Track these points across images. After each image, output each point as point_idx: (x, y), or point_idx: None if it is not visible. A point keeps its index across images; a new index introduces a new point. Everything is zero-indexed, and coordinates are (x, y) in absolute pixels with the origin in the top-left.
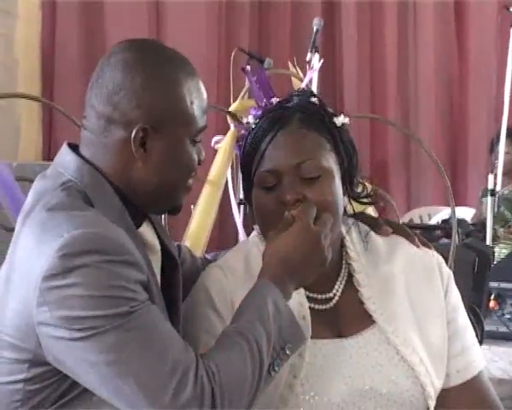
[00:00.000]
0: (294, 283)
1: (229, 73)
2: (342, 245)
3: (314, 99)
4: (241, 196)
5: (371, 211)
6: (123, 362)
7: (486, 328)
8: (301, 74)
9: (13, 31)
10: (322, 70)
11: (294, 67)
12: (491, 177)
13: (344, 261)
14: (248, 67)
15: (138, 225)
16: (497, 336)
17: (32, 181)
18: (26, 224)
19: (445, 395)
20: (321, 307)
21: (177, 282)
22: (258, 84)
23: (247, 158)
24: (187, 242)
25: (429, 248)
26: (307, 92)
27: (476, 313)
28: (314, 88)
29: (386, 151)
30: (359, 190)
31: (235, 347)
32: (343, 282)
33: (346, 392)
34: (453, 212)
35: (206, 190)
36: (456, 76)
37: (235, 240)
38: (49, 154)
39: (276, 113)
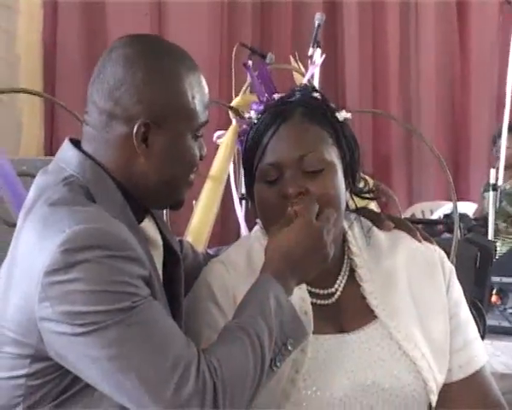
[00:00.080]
0: (296, 278)
1: (231, 68)
2: (344, 240)
3: (316, 94)
4: (243, 191)
5: (373, 206)
6: (124, 357)
7: (488, 323)
8: (303, 69)
9: (15, 26)
10: (323, 68)
11: (296, 62)
12: (492, 171)
13: (346, 256)
14: (250, 62)
15: (140, 221)
16: (499, 331)
17: (33, 176)
18: (28, 219)
19: (447, 390)
20: (323, 302)
21: (179, 277)
22: (260, 79)
23: (249, 152)
24: (189, 237)
25: (431, 243)
26: (309, 87)
27: (478, 307)
28: (316, 84)
29: (388, 147)
30: (361, 185)
31: (237, 342)
32: (345, 277)
33: (349, 387)
34: (455, 207)
35: (208, 186)
36: (457, 73)
37: (237, 235)
38: (50, 149)
39: (278, 107)
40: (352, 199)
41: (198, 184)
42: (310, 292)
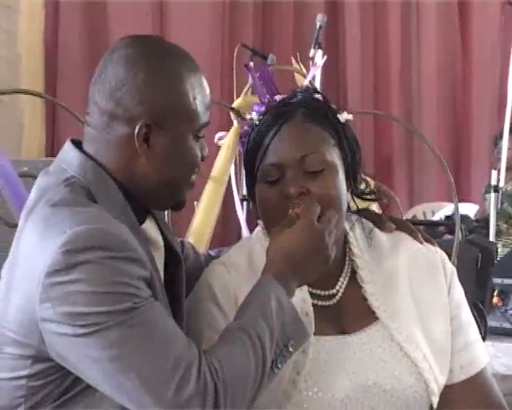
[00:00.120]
0: (298, 280)
1: (232, 69)
2: (345, 241)
3: (318, 96)
4: (244, 192)
5: (375, 207)
6: (125, 358)
7: (490, 324)
8: (304, 70)
9: (16, 26)
10: (325, 69)
11: (298, 63)
12: (494, 173)
13: (347, 258)
14: (251, 64)
15: (141, 222)
16: (500, 332)
17: (35, 177)
18: (30, 220)
19: (448, 392)
20: (324, 303)
21: (181, 278)
22: (262, 81)
23: (251, 153)
24: (190, 238)
25: (432, 244)
26: (311, 89)
27: (479, 309)
28: (317, 85)
29: (390, 148)
30: (362, 187)
31: (238, 343)
32: (346, 278)
33: (350, 388)
34: (456, 208)
35: (210, 187)
36: (459, 74)
37: (238, 236)
38: (52, 150)
39: (279, 108)
40: (354, 200)
41: (199, 185)
42: (311, 293)
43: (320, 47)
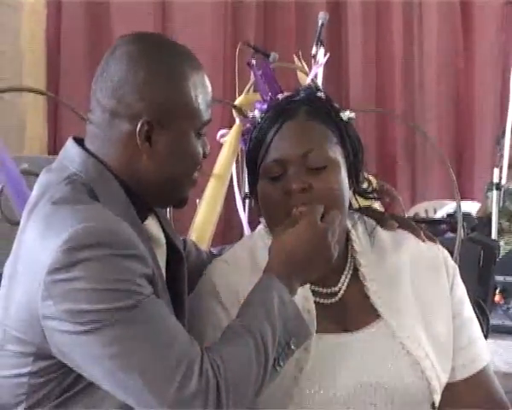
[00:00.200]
0: (300, 279)
1: (234, 67)
2: (348, 239)
3: (320, 94)
4: (247, 190)
5: (377, 205)
6: (127, 356)
7: (492, 322)
8: (306, 68)
9: (18, 24)
10: (327, 68)
11: (300, 61)
12: (496, 171)
13: (349, 255)
14: (254, 61)
15: (143, 219)
16: (502, 330)
17: (37, 175)
18: (32, 217)
19: (450, 389)
20: (326, 301)
21: (183, 275)
22: (264, 78)
23: (253, 150)
24: (192, 235)
25: (435, 242)
26: (313, 87)
27: (481, 307)
28: (319, 84)
29: (392, 146)
30: (365, 185)
31: (241, 341)
32: (348, 276)
33: (352, 386)
34: (458, 206)
35: (212, 184)
36: (461, 73)
37: (241, 234)
38: (54, 147)
39: (282, 106)
40: (356, 199)
41: (201, 182)
42: (313, 291)
43: (322, 45)
